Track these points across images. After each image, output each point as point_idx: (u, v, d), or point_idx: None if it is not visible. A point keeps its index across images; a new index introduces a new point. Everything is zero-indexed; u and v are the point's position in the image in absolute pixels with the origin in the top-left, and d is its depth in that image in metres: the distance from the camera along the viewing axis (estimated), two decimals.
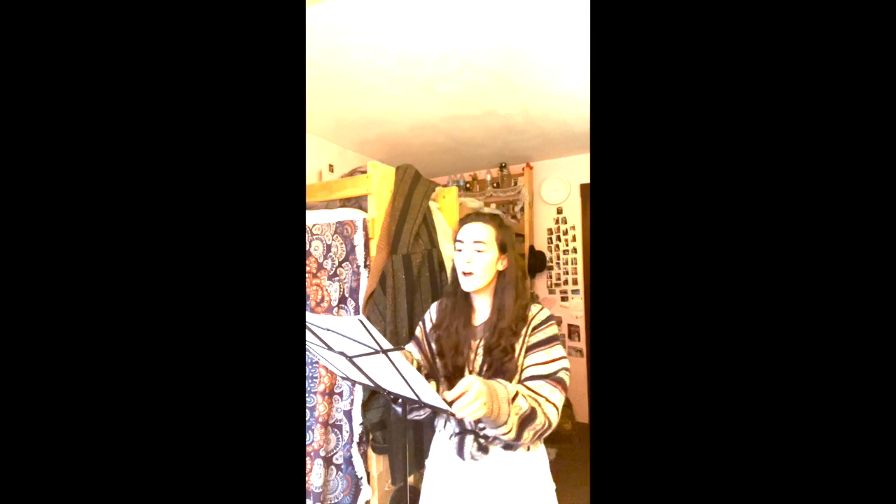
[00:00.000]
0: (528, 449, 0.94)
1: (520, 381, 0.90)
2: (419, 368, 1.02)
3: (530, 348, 0.93)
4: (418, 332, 1.11)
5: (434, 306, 1.11)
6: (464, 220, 1.02)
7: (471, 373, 0.95)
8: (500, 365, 0.91)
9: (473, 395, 0.73)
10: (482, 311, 1.02)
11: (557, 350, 0.93)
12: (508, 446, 0.93)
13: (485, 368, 0.94)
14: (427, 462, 1.08)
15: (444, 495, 1.00)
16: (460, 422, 0.97)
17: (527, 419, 0.81)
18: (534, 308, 0.97)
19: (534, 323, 0.95)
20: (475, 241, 0.96)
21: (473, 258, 0.95)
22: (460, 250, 0.98)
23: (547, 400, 0.85)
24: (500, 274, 0.99)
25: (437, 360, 1.01)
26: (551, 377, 0.88)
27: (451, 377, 0.95)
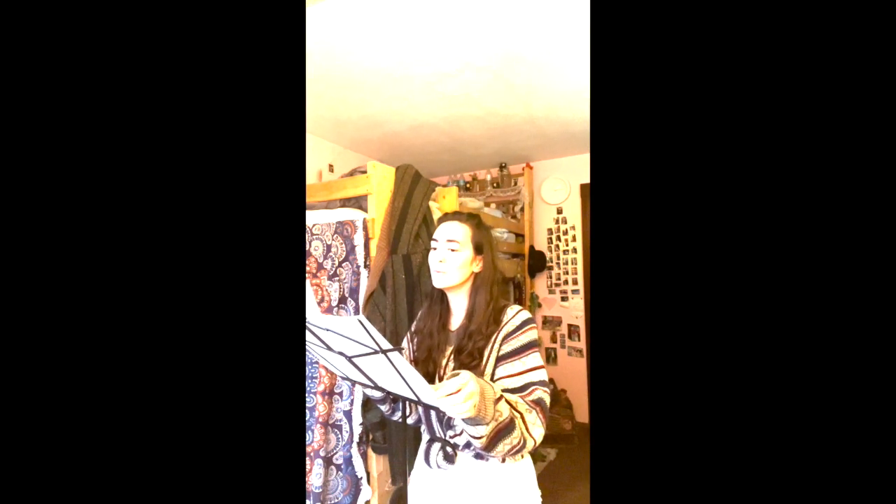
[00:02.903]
0: (504, 460, 0.89)
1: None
2: None
3: (502, 358, 0.87)
4: (405, 341, 1.08)
5: (421, 311, 1.08)
6: (441, 220, 1.00)
7: (440, 380, 0.91)
8: (466, 369, 0.82)
9: (466, 395, 0.69)
10: (458, 314, 0.98)
11: (534, 358, 0.86)
12: (479, 456, 0.89)
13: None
14: (415, 465, 1.07)
15: (423, 502, 0.98)
16: (431, 429, 0.97)
17: (503, 430, 0.75)
18: (509, 311, 0.92)
19: (507, 329, 0.89)
20: (448, 240, 0.94)
21: (446, 257, 0.93)
22: (435, 248, 0.96)
23: (522, 418, 0.79)
24: (475, 275, 0.96)
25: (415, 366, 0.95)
26: (528, 396, 0.82)
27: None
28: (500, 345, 0.88)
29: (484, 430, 0.74)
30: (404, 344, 1.08)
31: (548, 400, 0.85)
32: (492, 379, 0.87)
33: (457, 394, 0.69)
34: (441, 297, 1.00)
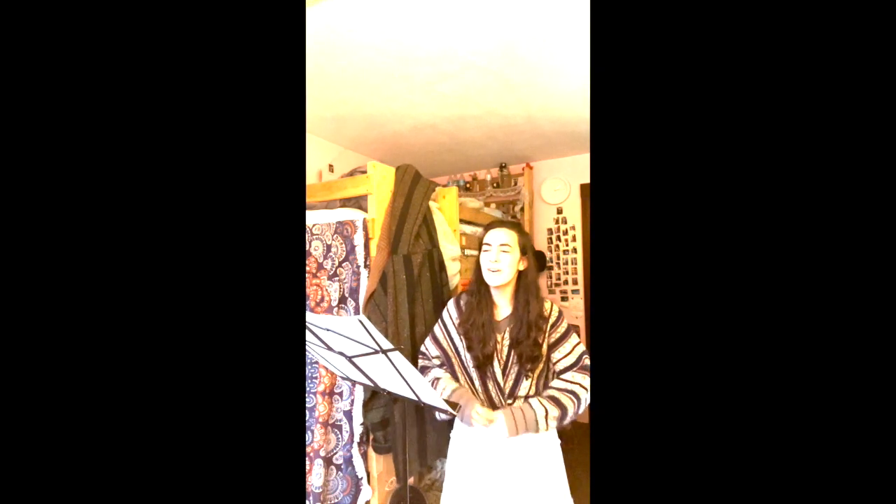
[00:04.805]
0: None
1: (556, 376, 1.13)
2: (441, 365, 1.23)
3: (554, 345, 1.12)
4: (437, 330, 1.26)
5: (451, 305, 1.24)
6: (488, 227, 1.19)
7: (499, 361, 1.13)
8: (529, 353, 1.09)
9: (500, 424, 1.04)
10: (503, 307, 1.17)
11: (574, 338, 1.13)
12: None
13: (513, 358, 1.11)
14: (452, 434, 1.23)
15: (475, 465, 1.15)
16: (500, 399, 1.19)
17: (561, 417, 1.05)
18: (546, 305, 1.14)
19: (551, 320, 1.13)
20: (501, 244, 1.11)
21: (500, 258, 1.11)
22: (487, 251, 1.13)
23: (580, 385, 1.07)
24: (520, 274, 1.15)
25: (467, 353, 1.15)
26: (580, 365, 1.11)
27: (482, 365, 1.13)
28: (550, 333, 1.13)
29: (545, 431, 1.06)
30: (436, 331, 1.25)
31: (589, 362, 1.12)
32: (548, 359, 1.13)
33: (492, 425, 1.04)
34: (487, 293, 1.17)
